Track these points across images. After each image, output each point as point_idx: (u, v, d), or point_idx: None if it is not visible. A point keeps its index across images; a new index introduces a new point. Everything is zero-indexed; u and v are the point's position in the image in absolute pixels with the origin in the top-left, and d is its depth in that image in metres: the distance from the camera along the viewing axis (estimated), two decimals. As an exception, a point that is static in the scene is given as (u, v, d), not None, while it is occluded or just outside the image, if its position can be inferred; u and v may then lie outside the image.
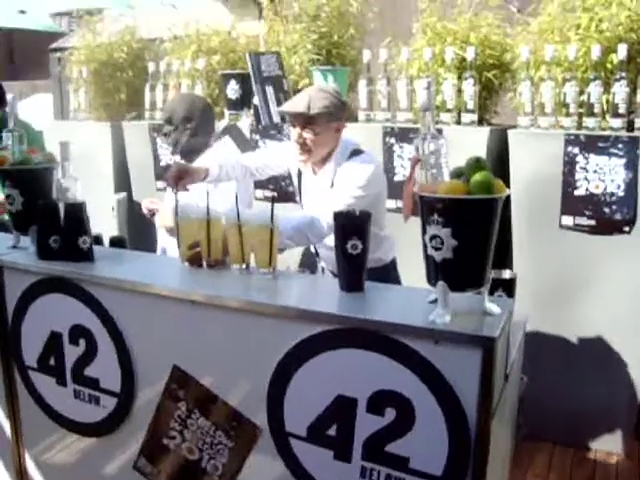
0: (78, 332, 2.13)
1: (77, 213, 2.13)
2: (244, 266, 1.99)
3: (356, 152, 2.66)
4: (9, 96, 2.37)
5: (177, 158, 3.24)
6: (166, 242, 3.12)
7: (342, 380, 1.70)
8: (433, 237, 1.54)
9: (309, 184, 2.79)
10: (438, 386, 1.57)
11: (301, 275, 2.12)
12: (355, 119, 3.64)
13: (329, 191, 2.61)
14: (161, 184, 4.10)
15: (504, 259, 3.23)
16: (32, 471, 2.47)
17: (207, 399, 1.93)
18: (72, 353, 2.17)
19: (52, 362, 2.24)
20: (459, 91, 3.38)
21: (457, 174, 1.59)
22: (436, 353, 1.57)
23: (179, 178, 2.55)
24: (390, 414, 1.64)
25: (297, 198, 2.95)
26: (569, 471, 3.20)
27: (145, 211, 3.16)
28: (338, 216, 1.83)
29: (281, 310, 1.77)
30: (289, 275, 2.03)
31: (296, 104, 2.58)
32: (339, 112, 2.61)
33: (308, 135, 2.57)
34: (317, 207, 2.50)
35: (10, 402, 2.43)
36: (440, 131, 3.17)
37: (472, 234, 1.54)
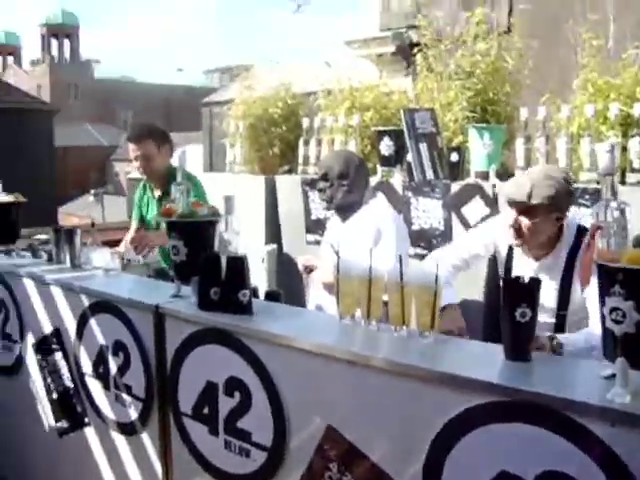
0: (234, 384, 2.16)
1: (239, 266, 2.18)
2: (404, 327, 1.94)
3: (582, 230, 2.52)
4: (179, 150, 2.48)
5: (332, 214, 3.27)
6: (322, 299, 3.13)
7: (506, 455, 1.60)
8: (613, 310, 1.44)
9: (526, 267, 2.59)
10: (617, 474, 1.44)
11: (462, 341, 2.05)
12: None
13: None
14: (311, 237, 4.15)
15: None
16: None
17: (360, 462, 1.88)
18: (226, 404, 2.19)
19: (206, 411, 2.28)
20: (624, 149, 3.21)
21: (640, 242, 1.48)
22: (614, 436, 1.44)
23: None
24: (560, 498, 1.52)
25: (501, 273, 2.79)
26: None
27: (301, 267, 3.19)
28: (507, 282, 1.75)
29: (442, 377, 1.71)
30: (449, 340, 1.96)
31: (517, 190, 2.45)
32: (563, 202, 2.48)
33: (525, 222, 2.45)
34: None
35: (163, 445, 2.50)
36: (598, 191, 3.03)
37: (659, 309, 1.42)
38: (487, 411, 1.61)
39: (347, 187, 3.12)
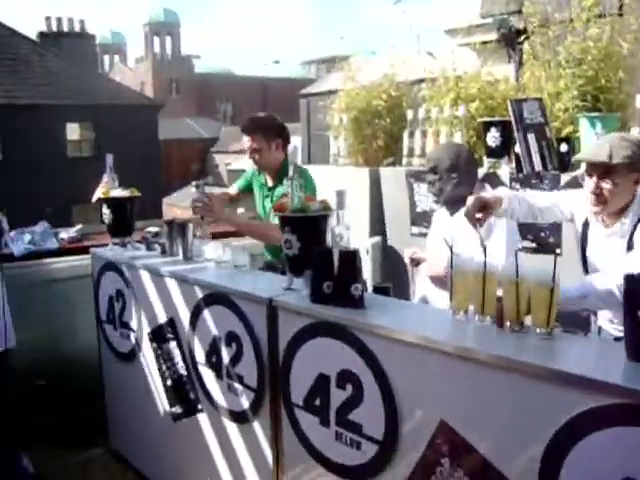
0: (346, 377, 2.18)
1: (351, 260, 2.20)
2: (519, 324, 1.91)
3: None
4: (291, 146, 2.52)
5: (439, 206, 3.25)
6: (428, 291, 3.13)
7: (630, 461, 1.54)
8: None
9: (598, 238, 2.61)
10: None
11: (580, 338, 2.00)
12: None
13: (630, 254, 2.41)
14: (416, 229, 4.14)
15: None
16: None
17: (472, 458, 1.87)
18: (338, 396, 2.22)
19: (317, 403, 2.32)
20: None
21: None
22: None
23: (479, 211, 2.51)
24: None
25: (577, 249, 2.77)
26: None
27: (407, 260, 3.20)
28: (630, 280, 1.70)
29: (560, 375, 1.67)
30: (566, 337, 1.92)
31: (596, 152, 2.44)
32: None
33: (606, 186, 2.42)
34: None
35: (275, 435, 2.56)
36: None
37: None
38: (608, 413, 1.57)
39: (457, 180, 3.09)
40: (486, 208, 2.52)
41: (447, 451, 1.93)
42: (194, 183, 3.52)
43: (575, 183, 3.38)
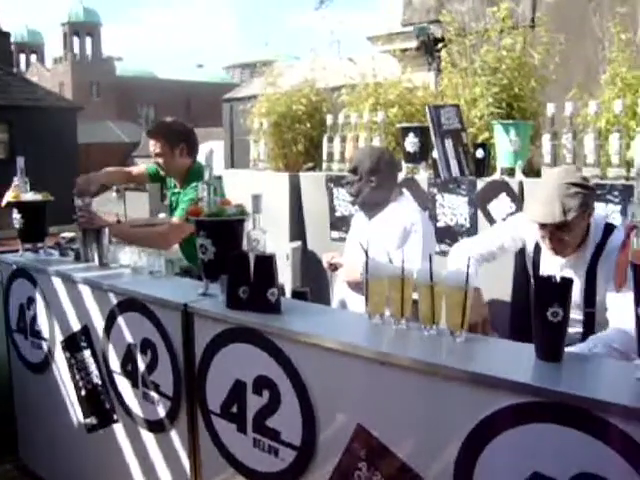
0: (262, 383, 2.16)
1: (267, 265, 2.18)
2: (434, 327, 1.93)
3: (610, 227, 2.52)
4: (207, 149, 2.48)
5: (357, 210, 3.26)
6: (346, 295, 3.13)
7: (540, 457, 1.58)
8: (649, 310, 1.42)
9: (554, 264, 2.58)
10: (653, 475, 1.42)
11: (492, 340, 2.03)
12: (538, 175, 3.51)
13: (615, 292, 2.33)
14: (336, 234, 4.15)
15: None
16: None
17: (390, 461, 1.87)
18: (255, 403, 2.20)
19: (234, 410, 2.29)
20: (652, 145, 3.17)
21: (677, 242, 1.46)
22: (650, 437, 1.43)
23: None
24: (595, 500, 1.51)
25: (530, 270, 2.78)
26: None
27: (326, 265, 3.19)
28: (539, 281, 1.74)
29: (473, 377, 1.69)
30: (480, 339, 1.95)
31: (549, 212, 2.39)
32: (592, 201, 2.47)
33: (563, 236, 2.44)
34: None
35: (192, 442, 2.51)
36: (627, 187, 3.00)
37: (695, 309, 1.40)
38: (519, 412, 1.60)
39: (376, 183, 3.10)
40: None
41: (364, 455, 1.93)
42: (115, 188, 3.44)
43: (491, 188, 3.47)
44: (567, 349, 1.86)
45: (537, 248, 2.68)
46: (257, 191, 2.31)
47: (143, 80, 54.12)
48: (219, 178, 3.52)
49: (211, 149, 2.47)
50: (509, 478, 1.63)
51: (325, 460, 2.03)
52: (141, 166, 3.99)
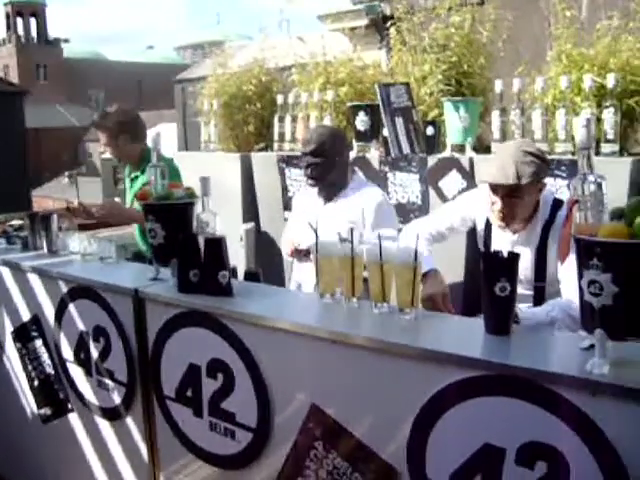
0: (216, 366, 2.15)
1: (217, 248, 2.17)
2: (385, 304, 1.94)
3: (558, 203, 2.55)
4: (154, 132, 2.45)
5: (305, 190, 3.24)
6: (303, 277, 3.12)
7: (490, 428, 1.61)
8: (591, 282, 1.45)
9: (504, 241, 2.61)
10: (597, 443, 1.46)
11: (443, 316, 2.06)
12: (488, 151, 3.54)
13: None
14: (288, 214, 4.14)
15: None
16: (166, 497, 2.52)
17: (345, 439, 1.89)
18: (209, 386, 2.20)
19: (190, 394, 2.28)
20: (598, 120, 3.22)
21: (617, 215, 1.49)
22: (594, 406, 1.46)
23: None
24: (541, 468, 1.54)
25: (481, 247, 2.80)
26: None
27: (288, 252, 3.17)
28: (486, 257, 1.76)
29: (424, 353, 1.71)
30: (431, 316, 1.97)
31: (503, 175, 2.41)
32: (545, 173, 2.51)
33: (512, 202, 2.46)
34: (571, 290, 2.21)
35: (148, 429, 2.50)
36: (574, 162, 3.05)
37: (635, 280, 1.43)
38: (469, 386, 1.63)
39: (338, 165, 3.09)
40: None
41: (320, 434, 1.94)
42: (67, 174, 3.38)
43: (442, 165, 3.50)
44: (526, 309, 1.89)
45: (487, 226, 2.71)
46: (208, 173, 2.29)
47: (92, 62, 53.03)
48: (170, 161, 3.50)
49: (157, 132, 2.43)
50: (461, 451, 1.65)
51: (281, 440, 2.04)
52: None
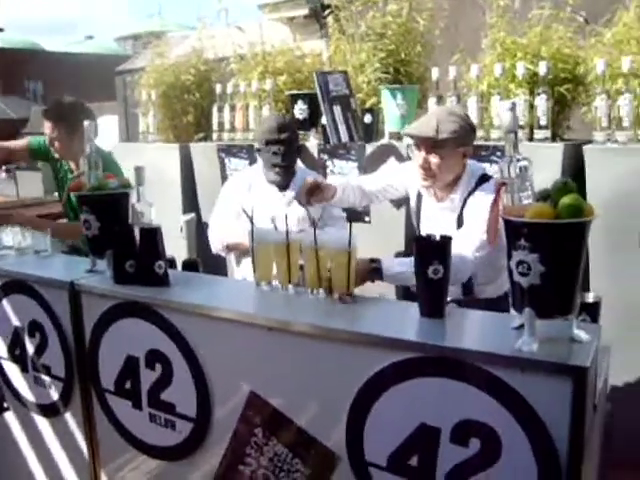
0: (154, 357, 2.14)
1: (153, 238, 2.15)
2: (320, 290, 1.95)
3: (485, 178, 2.57)
4: (87, 122, 2.40)
5: (278, 179, 3.19)
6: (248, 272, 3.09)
7: (425, 409, 1.65)
8: (520, 263, 1.49)
9: (431, 210, 2.68)
10: (526, 417, 1.50)
11: (379, 300, 2.08)
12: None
13: (466, 223, 2.49)
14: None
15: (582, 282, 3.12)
16: (107, 492, 2.49)
17: (284, 425, 1.90)
18: (148, 377, 2.18)
19: (128, 386, 2.25)
20: (531, 107, 3.29)
21: (544, 197, 1.53)
22: (523, 382, 1.50)
23: (311, 193, 2.50)
24: (475, 445, 1.58)
25: (414, 221, 2.84)
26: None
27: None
28: (419, 240, 1.78)
29: (360, 337, 1.74)
30: (367, 300, 1.99)
31: (424, 127, 2.48)
32: (467, 137, 2.52)
33: (434, 160, 2.47)
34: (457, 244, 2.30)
35: (88, 423, 2.46)
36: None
37: (561, 260, 1.48)
38: (403, 368, 1.65)
39: (298, 150, 3.13)
40: (317, 193, 2.53)
41: (259, 422, 1.95)
42: (4, 168, 3.27)
43: (380, 152, 3.52)
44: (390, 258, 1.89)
45: (419, 197, 2.74)
46: (147, 164, 2.27)
47: (29, 52, 51.48)
48: (109, 155, 3.43)
49: (91, 121, 2.38)
50: (398, 432, 1.68)
51: (222, 429, 2.04)
52: (22, 140, 3.78)
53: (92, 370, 2.36)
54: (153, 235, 2.13)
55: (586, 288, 3.07)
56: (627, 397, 3.06)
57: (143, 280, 2.17)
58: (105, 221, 2.28)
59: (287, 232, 1.96)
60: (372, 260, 2.28)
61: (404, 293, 2.76)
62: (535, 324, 1.54)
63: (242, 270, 3.23)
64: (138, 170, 2.20)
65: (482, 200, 2.40)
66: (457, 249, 2.14)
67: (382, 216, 3.49)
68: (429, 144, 2.47)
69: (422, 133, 2.48)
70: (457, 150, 2.49)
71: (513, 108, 1.56)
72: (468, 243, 2.30)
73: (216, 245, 3.25)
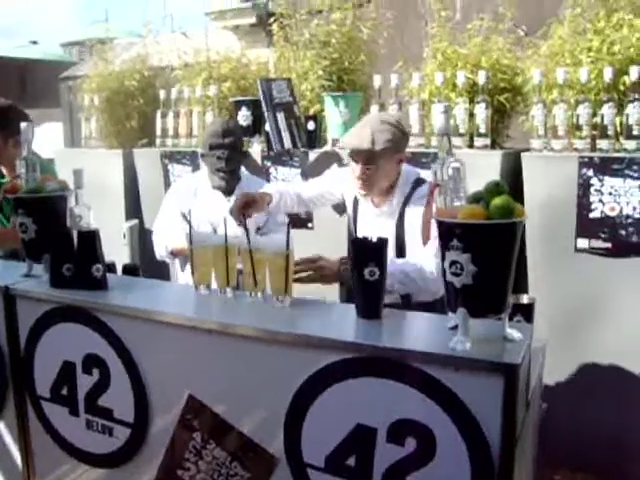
0: (92, 361, 2.10)
1: (90, 241, 2.11)
2: (259, 294, 1.96)
3: (419, 181, 2.59)
4: (24, 124, 2.35)
5: (222, 184, 3.19)
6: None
7: (361, 409, 1.66)
8: (452, 263, 1.52)
9: (369, 216, 2.68)
10: (460, 415, 1.53)
11: (316, 302, 2.09)
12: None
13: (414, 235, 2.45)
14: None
15: (518, 283, 3.19)
16: (43, 503, 2.43)
17: (222, 429, 1.89)
18: (85, 383, 2.14)
19: (65, 392, 2.21)
20: (471, 115, 3.37)
21: (476, 198, 1.56)
22: (457, 381, 1.53)
23: (245, 208, 2.48)
24: (411, 444, 1.60)
25: (351, 227, 2.85)
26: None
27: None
28: (355, 242, 1.81)
29: (297, 339, 1.74)
30: (304, 303, 2.00)
31: (359, 140, 2.47)
32: (402, 143, 2.55)
33: (371, 170, 2.49)
34: (419, 253, 2.37)
35: (22, 432, 2.39)
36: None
37: (492, 260, 1.51)
38: (339, 369, 1.66)
39: (237, 156, 3.12)
40: (252, 205, 2.52)
41: (197, 425, 1.93)
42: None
43: (322, 159, 3.55)
44: None
45: (355, 202, 2.76)
46: (90, 170, 2.25)
47: (-30, 58, 50.38)
48: (50, 161, 3.37)
49: (28, 124, 2.34)
50: (335, 433, 1.69)
51: (160, 434, 2.02)
52: None
53: (27, 377, 2.30)
54: (91, 238, 2.10)
55: (524, 290, 3.15)
56: (563, 396, 3.14)
57: (80, 284, 2.13)
58: (42, 224, 2.23)
59: (226, 236, 1.95)
60: (342, 261, 2.29)
61: (347, 295, 2.79)
62: (468, 323, 1.57)
63: (186, 275, 3.21)
64: (77, 173, 2.16)
65: (421, 209, 2.43)
66: (422, 262, 2.30)
67: (325, 222, 3.52)
68: (366, 155, 2.48)
69: (358, 146, 2.49)
70: (393, 157, 2.52)
71: (445, 111, 1.60)
72: (427, 254, 2.31)
73: (160, 251, 3.21)
